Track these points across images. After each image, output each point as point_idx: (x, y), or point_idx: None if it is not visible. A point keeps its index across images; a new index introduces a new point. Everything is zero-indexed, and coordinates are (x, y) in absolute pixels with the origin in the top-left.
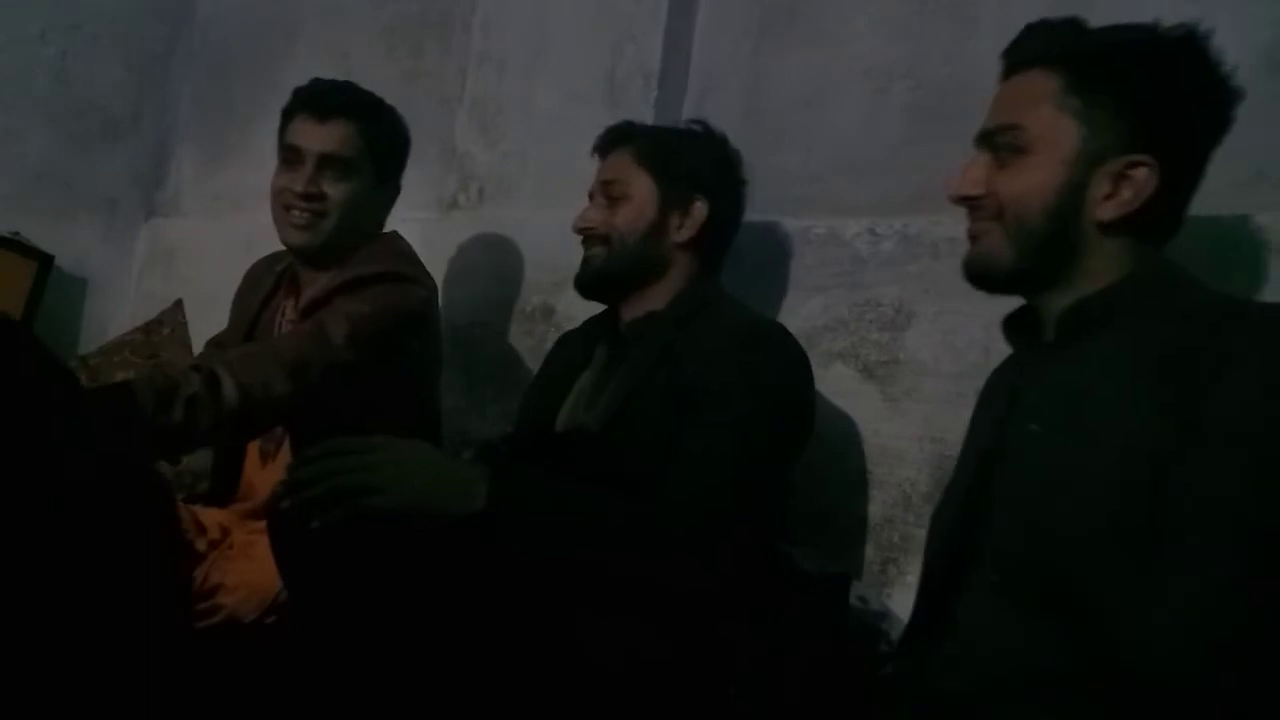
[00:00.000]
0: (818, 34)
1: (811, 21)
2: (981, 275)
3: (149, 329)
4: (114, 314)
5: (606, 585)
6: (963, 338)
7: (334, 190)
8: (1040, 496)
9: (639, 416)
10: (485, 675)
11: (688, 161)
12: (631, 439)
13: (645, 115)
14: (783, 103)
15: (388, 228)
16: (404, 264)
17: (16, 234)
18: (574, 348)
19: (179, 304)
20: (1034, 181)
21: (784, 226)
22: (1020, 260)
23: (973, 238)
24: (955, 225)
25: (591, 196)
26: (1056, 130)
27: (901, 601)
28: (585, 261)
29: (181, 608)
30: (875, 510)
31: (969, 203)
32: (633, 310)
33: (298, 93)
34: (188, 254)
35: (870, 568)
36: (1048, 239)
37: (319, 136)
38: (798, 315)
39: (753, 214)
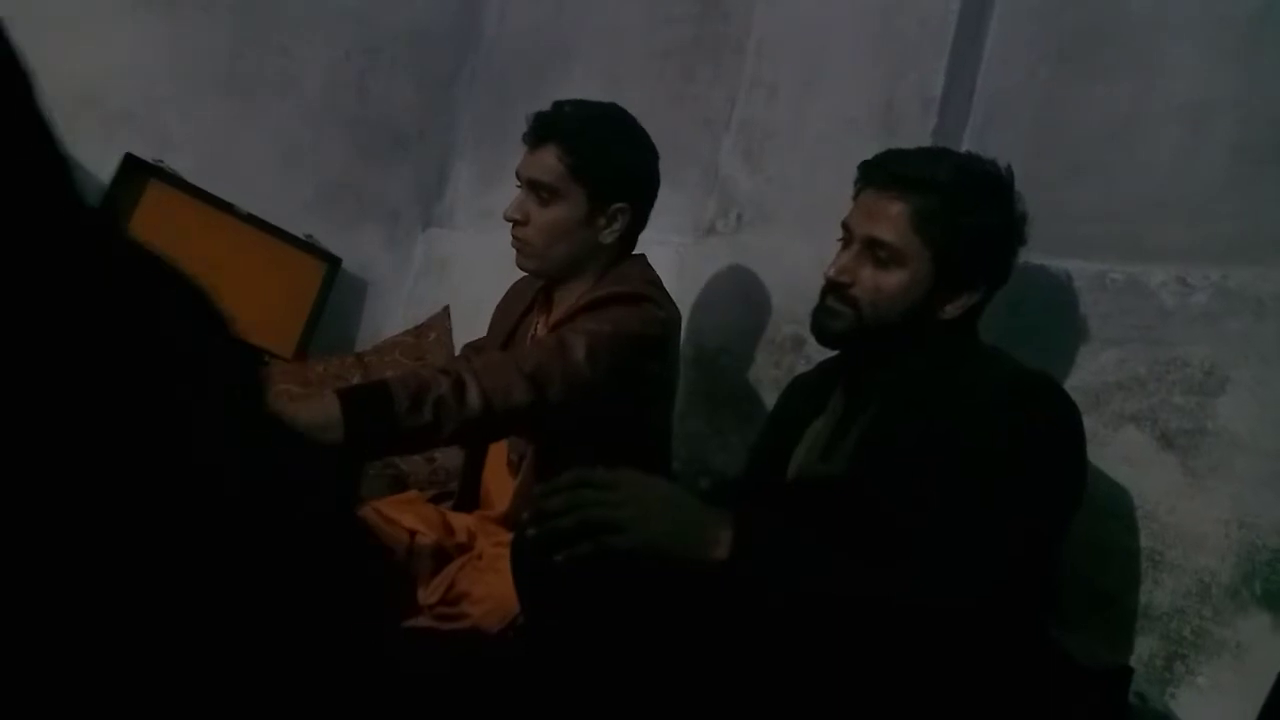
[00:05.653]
0: (1127, 62)
1: (1121, 49)
2: None
3: (419, 332)
4: (389, 315)
5: (851, 650)
6: None
7: (538, 215)
8: None
9: (881, 472)
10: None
11: (977, 244)
12: (871, 495)
13: (923, 145)
14: (1080, 134)
15: (642, 249)
16: (646, 287)
17: (310, 236)
18: (808, 392)
19: (446, 311)
20: None
21: (1074, 270)
22: None
23: None
24: None
25: (847, 234)
26: None
27: (1187, 704)
28: (826, 313)
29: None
30: (1163, 598)
31: None
32: (879, 359)
33: (527, 119)
34: (458, 264)
35: (1153, 662)
36: None
37: (527, 163)
38: (1085, 370)
39: (1037, 255)
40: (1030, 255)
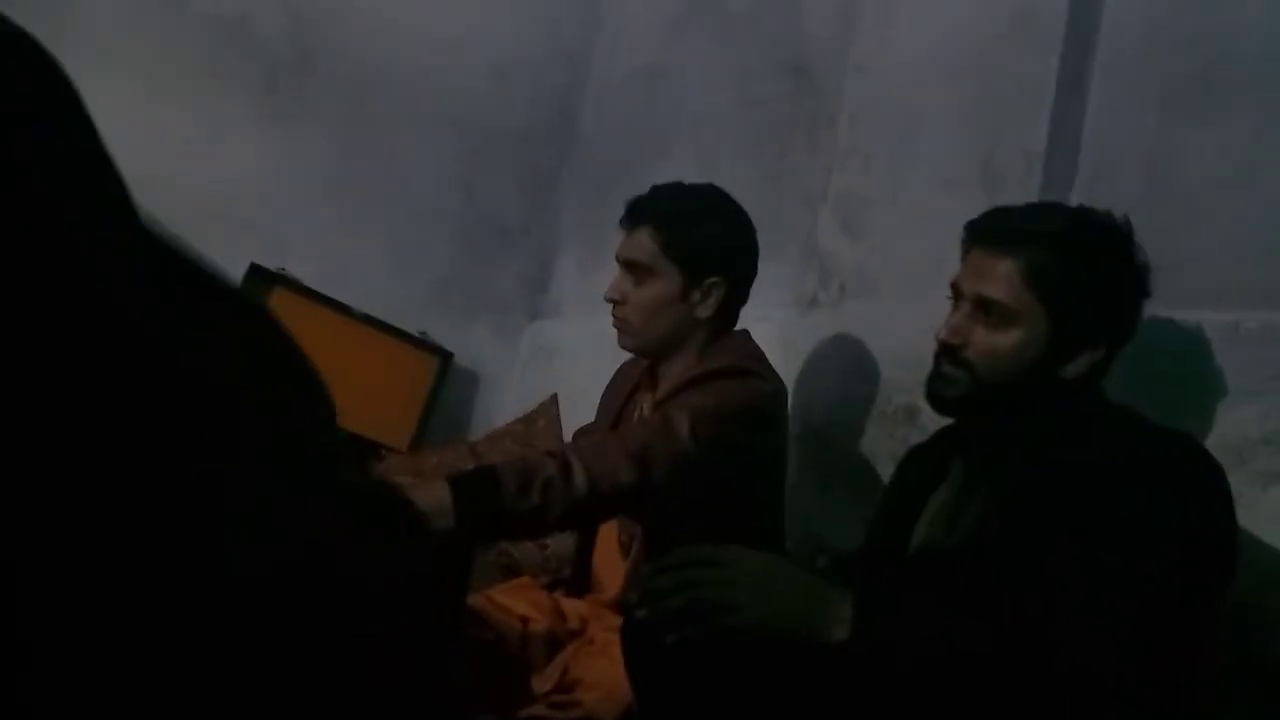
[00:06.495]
0: (1241, 103)
1: (1232, 90)
2: None
3: (528, 420)
4: (500, 406)
5: None
6: None
7: (634, 294)
8: None
9: (1010, 544)
10: None
11: (1094, 298)
12: (999, 566)
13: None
14: (1197, 181)
15: (744, 325)
16: (749, 360)
17: (424, 333)
18: (926, 462)
19: (554, 398)
20: None
21: (1203, 321)
22: None
23: None
24: None
25: (956, 294)
26: None
27: None
28: (941, 379)
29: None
30: None
31: None
32: (999, 424)
33: (625, 204)
34: (565, 352)
35: None
36: None
37: (624, 245)
38: (1224, 425)
39: (1161, 307)
40: (1154, 309)
